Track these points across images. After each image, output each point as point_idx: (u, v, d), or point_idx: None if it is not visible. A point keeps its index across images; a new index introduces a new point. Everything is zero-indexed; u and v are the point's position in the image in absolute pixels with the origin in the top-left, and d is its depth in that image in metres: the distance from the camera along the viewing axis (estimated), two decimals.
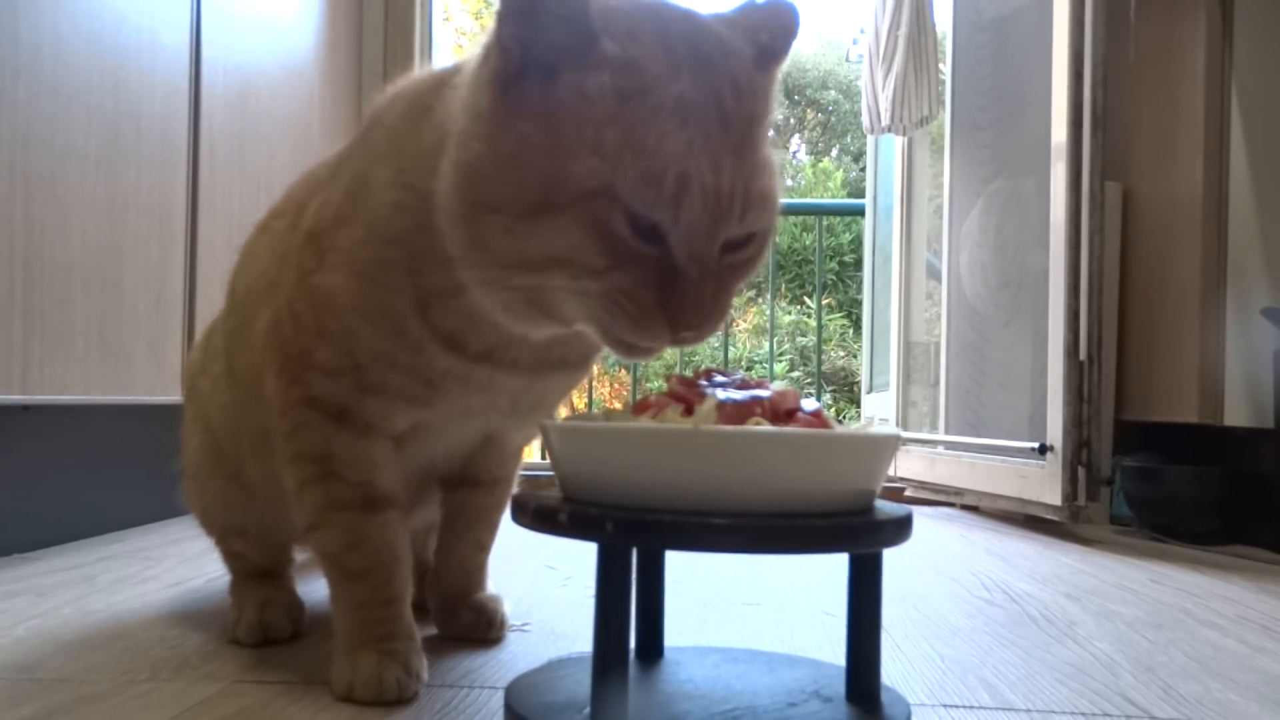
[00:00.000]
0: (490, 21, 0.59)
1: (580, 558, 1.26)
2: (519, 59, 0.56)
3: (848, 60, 11.06)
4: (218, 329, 0.88)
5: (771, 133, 0.62)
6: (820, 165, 10.34)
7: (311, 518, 0.72)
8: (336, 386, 0.69)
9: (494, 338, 0.67)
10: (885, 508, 0.60)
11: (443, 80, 0.67)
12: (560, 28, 0.55)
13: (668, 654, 0.74)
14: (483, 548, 0.88)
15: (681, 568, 1.23)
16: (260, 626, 0.83)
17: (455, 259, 0.61)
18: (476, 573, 0.88)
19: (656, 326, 0.57)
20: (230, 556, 0.92)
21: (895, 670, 0.81)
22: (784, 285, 6.89)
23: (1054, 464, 1.70)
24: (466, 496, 0.86)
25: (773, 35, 0.61)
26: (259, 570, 0.90)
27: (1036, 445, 1.75)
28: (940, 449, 2.19)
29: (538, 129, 0.56)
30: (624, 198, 0.54)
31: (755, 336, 6.66)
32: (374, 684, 0.67)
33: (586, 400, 3.70)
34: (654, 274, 0.56)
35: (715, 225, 0.56)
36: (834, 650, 0.84)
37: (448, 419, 0.75)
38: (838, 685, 0.66)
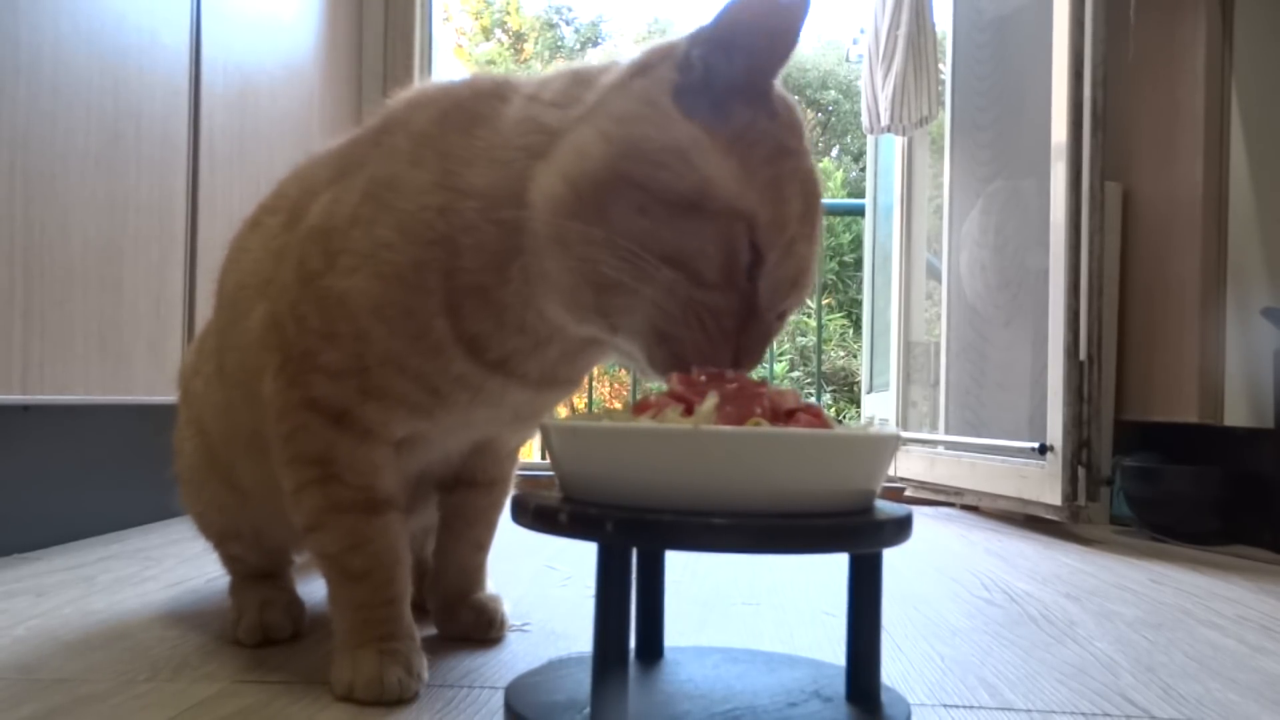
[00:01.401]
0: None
1: (580, 558, 1.26)
2: (701, 79, 0.62)
3: (848, 60, 11.05)
4: (210, 330, 0.88)
5: None
6: (820, 165, 10.34)
7: (311, 520, 0.72)
8: (340, 389, 0.69)
9: (516, 341, 0.68)
10: (885, 508, 0.60)
11: (486, 91, 0.70)
12: (748, 70, 0.62)
13: (668, 654, 0.74)
14: (481, 547, 0.88)
15: (681, 568, 1.23)
16: (260, 627, 0.83)
17: (547, 218, 0.62)
18: (476, 572, 0.88)
19: (724, 352, 0.61)
20: (229, 559, 0.92)
21: (895, 670, 0.81)
22: None
23: (1054, 464, 1.70)
24: (464, 497, 0.86)
25: None
26: (258, 571, 0.90)
27: (1036, 445, 1.75)
28: (940, 449, 2.19)
29: (709, 138, 0.61)
30: (758, 230, 0.60)
31: None
32: (375, 684, 0.67)
33: (586, 400, 3.70)
34: (741, 306, 0.61)
35: (790, 287, 0.64)
36: (834, 650, 0.84)
37: (448, 431, 0.75)
38: (838, 685, 0.66)
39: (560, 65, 0.71)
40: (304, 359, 0.69)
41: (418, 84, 0.77)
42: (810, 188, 0.64)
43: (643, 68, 0.64)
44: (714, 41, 0.62)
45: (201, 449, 0.88)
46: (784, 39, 0.63)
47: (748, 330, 0.62)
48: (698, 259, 0.60)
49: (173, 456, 0.93)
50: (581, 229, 0.61)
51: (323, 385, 0.69)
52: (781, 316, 0.66)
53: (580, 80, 0.67)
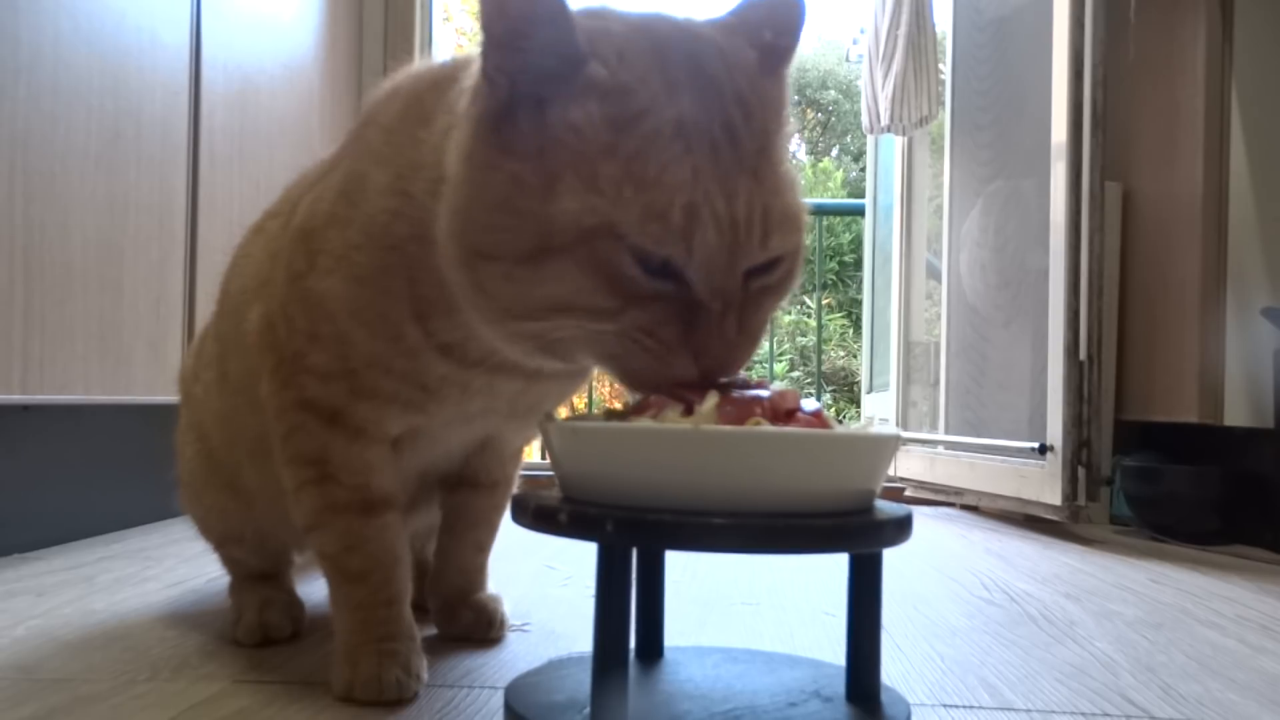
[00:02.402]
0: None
1: (580, 558, 1.26)
2: (507, 91, 0.54)
3: (848, 60, 11.06)
4: (209, 335, 0.88)
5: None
6: (820, 165, 10.34)
7: (310, 519, 0.72)
8: (330, 390, 0.68)
9: (491, 346, 0.66)
10: (885, 508, 0.60)
11: (441, 80, 0.66)
12: (547, 54, 0.53)
13: (668, 654, 0.74)
14: (482, 549, 0.88)
15: (681, 568, 1.23)
16: (260, 627, 0.83)
17: (459, 299, 0.59)
18: (476, 573, 0.88)
19: (682, 364, 0.54)
20: (229, 561, 0.92)
21: (895, 670, 0.81)
22: None
23: (1054, 464, 1.70)
24: (466, 498, 0.86)
25: (777, 32, 0.58)
26: (259, 573, 0.90)
27: (1036, 445, 1.75)
28: (940, 449, 2.19)
29: (528, 168, 0.53)
30: (628, 236, 0.51)
31: None
32: (374, 684, 0.67)
33: (586, 400, 3.70)
34: (674, 309, 0.53)
35: (734, 255, 0.53)
36: (834, 650, 0.84)
37: (446, 425, 0.74)
38: (838, 685, 0.66)
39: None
40: (295, 360, 0.69)
41: (404, 69, 0.73)
42: (698, 132, 0.52)
43: (468, 105, 0.57)
44: (499, 43, 0.54)
45: (202, 454, 0.88)
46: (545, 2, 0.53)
47: (697, 329, 0.53)
48: (580, 297, 0.53)
49: (174, 459, 0.93)
50: (483, 305, 0.57)
51: (314, 386, 0.69)
52: (767, 272, 0.56)
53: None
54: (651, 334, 0.54)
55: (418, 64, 0.73)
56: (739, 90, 0.55)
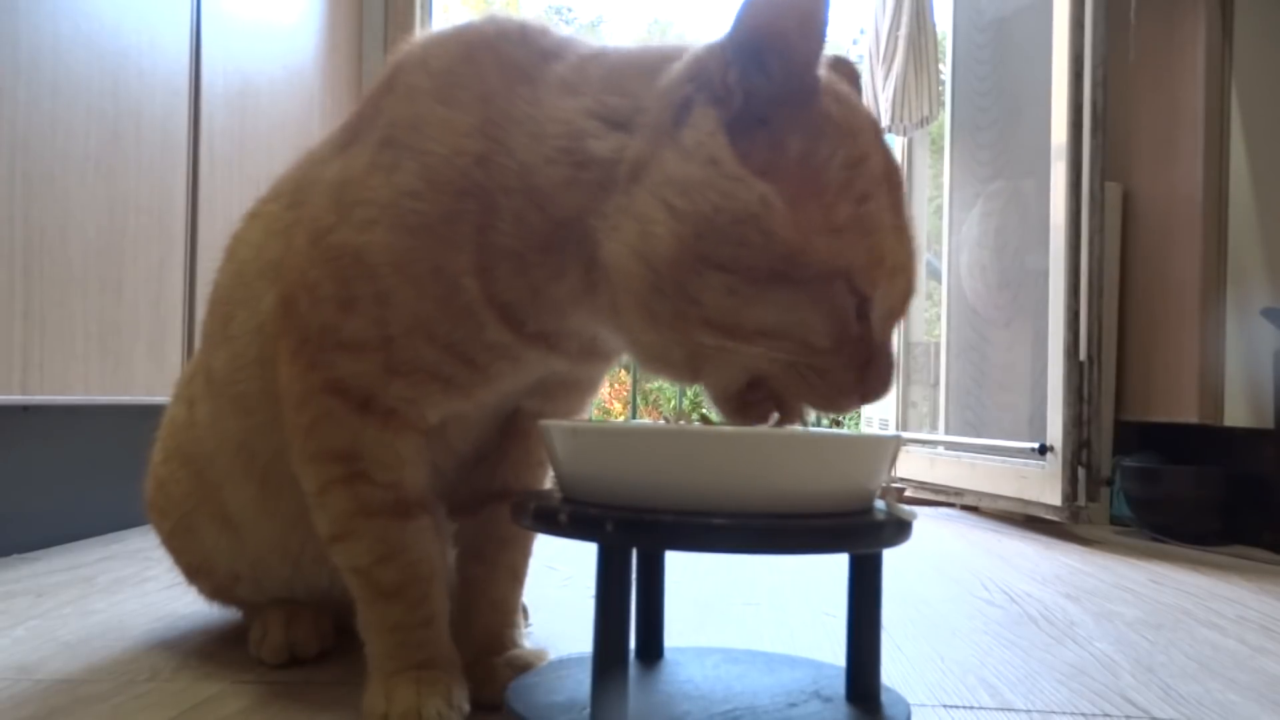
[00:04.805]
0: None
1: (580, 558, 1.26)
2: (743, 106, 0.55)
3: None
4: (199, 363, 0.80)
5: None
6: None
7: (337, 527, 0.64)
8: (363, 367, 0.61)
9: (554, 322, 0.62)
10: (884, 508, 0.60)
11: (515, 38, 0.62)
12: (788, 79, 0.54)
13: (668, 654, 0.74)
14: (518, 576, 0.76)
15: (681, 568, 1.23)
16: (286, 645, 0.76)
17: (629, 294, 0.56)
18: (512, 612, 0.75)
19: (849, 402, 0.57)
20: (238, 604, 0.84)
21: (895, 670, 0.81)
22: None
23: (1054, 464, 1.70)
24: (496, 511, 0.73)
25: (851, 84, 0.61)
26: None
27: (1036, 445, 1.75)
28: (940, 449, 2.19)
29: (776, 192, 0.53)
30: (854, 278, 0.54)
31: None
32: (412, 716, 0.59)
33: None
34: (858, 354, 0.55)
35: (903, 302, 0.58)
36: (834, 650, 0.84)
37: (481, 408, 0.68)
38: (838, 685, 0.66)
39: (596, 48, 0.62)
40: (322, 334, 0.62)
41: (418, 37, 0.68)
42: (893, 177, 0.56)
43: (681, 105, 0.56)
44: (744, 54, 0.54)
45: (185, 483, 0.79)
46: (814, 20, 0.53)
47: (869, 370, 0.56)
48: (800, 330, 0.54)
49: (157, 515, 0.84)
50: (673, 310, 0.55)
51: (346, 363, 0.61)
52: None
53: (624, 89, 0.59)
54: (829, 376, 0.56)
55: (456, 26, 0.67)
56: (888, 143, 0.59)
